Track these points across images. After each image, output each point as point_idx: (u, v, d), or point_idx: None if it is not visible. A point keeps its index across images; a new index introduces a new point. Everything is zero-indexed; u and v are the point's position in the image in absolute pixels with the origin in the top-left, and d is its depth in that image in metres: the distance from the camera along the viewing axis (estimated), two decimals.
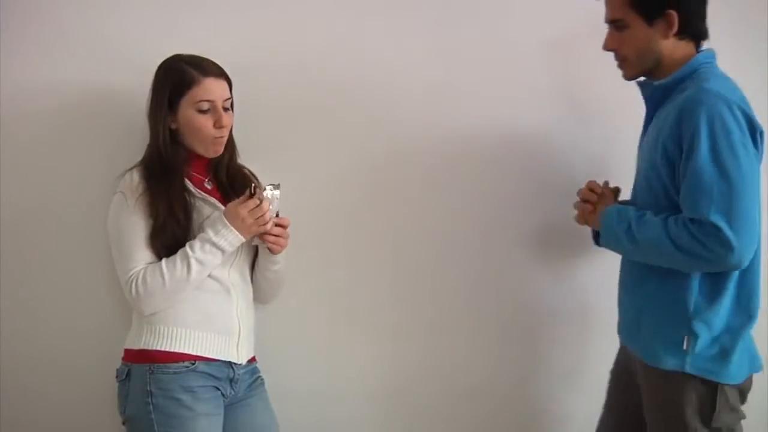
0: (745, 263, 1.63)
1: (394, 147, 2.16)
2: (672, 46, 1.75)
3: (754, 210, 1.63)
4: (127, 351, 1.80)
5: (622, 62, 1.80)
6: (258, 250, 1.91)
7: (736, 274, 1.70)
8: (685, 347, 1.70)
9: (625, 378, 1.90)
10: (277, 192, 1.78)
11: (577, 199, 1.95)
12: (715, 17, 2.28)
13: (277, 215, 1.82)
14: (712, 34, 2.19)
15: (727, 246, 1.59)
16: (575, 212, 1.96)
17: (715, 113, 1.62)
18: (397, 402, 2.20)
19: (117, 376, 1.80)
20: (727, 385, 1.71)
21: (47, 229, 2.02)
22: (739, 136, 1.62)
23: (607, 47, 1.81)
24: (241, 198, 1.77)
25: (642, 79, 1.83)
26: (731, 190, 1.60)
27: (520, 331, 2.24)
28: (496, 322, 2.24)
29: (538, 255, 2.23)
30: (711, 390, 1.70)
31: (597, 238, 1.92)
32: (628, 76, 1.82)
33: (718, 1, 2.26)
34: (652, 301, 1.76)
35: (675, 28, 1.72)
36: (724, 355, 1.71)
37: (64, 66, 1.99)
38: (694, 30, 1.77)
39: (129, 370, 1.77)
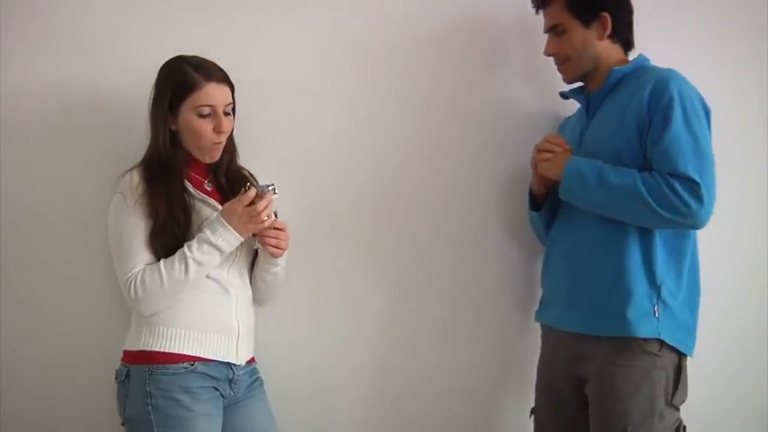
0: (706, 223, 1.77)
1: (391, 147, 2.17)
2: (607, 49, 1.94)
3: (714, 176, 1.78)
4: (126, 352, 1.80)
5: (564, 63, 1.96)
6: (258, 251, 1.91)
7: (689, 249, 1.86)
8: (657, 315, 1.80)
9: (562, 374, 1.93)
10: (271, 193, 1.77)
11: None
12: (716, 17, 2.29)
13: (275, 215, 1.82)
14: (714, 33, 2.26)
15: (699, 201, 1.73)
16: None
17: (683, 90, 1.80)
18: (396, 403, 2.19)
19: (116, 377, 1.80)
20: (686, 357, 1.84)
21: (47, 230, 2.01)
22: (702, 112, 1.81)
23: (548, 52, 1.98)
24: (237, 197, 1.77)
25: (569, 89, 2.03)
26: (702, 154, 1.76)
27: (521, 332, 2.24)
28: (498, 324, 2.24)
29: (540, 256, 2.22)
30: (677, 365, 1.83)
31: (534, 201, 2.04)
32: (569, 78, 1.99)
33: (719, 1, 2.26)
34: (623, 274, 1.82)
35: (609, 30, 1.91)
36: (688, 326, 1.86)
37: (63, 67, 1.99)
38: (624, 35, 1.96)
39: (128, 371, 1.76)
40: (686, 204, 1.72)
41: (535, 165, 1.97)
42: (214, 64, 1.82)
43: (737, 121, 2.31)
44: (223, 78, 1.82)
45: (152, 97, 1.81)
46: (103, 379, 1.87)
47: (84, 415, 2.01)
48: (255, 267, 1.94)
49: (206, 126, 1.79)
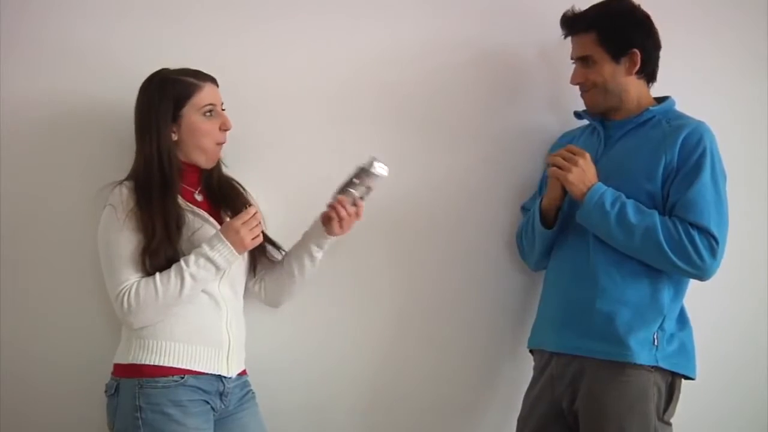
0: (710, 278, 1.83)
1: (387, 154, 2.15)
2: (633, 83, 1.95)
3: (727, 238, 1.84)
4: (116, 366, 1.79)
5: (589, 92, 1.97)
6: (250, 262, 1.90)
7: (688, 282, 1.90)
8: (656, 344, 1.83)
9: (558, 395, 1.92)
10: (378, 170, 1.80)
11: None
12: (716, 17, 2.27)
13: (361, 198, 1.84)
14: (715, 33, 2.30)
15: (713, 256, 1.79)
16: None
17: (715, 148, 1.85)
18: (388, 416, 2.17)
19: (106, 391, 1.78)
20: (680, 377, 1.87)
21: (39, 241, 2.01)
22: (724, 174, 1.87)
23: (575, 81, 1.99)
24: (238, 215, 1.77)
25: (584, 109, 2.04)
26: (723, 214, 1.83)
27: (514, 353, 2.21)
28: (491, 337, 2.22)
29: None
30: (671, 383, 1.85)
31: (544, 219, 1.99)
32: (592, 108, 1.99)
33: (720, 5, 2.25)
34: (630, 303, 1.84)
35: (638, 66, 1.92)
36: (687, 349, 1.88)
37: (56, 77, 2.00)
38: (650, 71, 1.97)
39: (118, 384, 1.75)
40: (701, 257, 1.78)
41: (554, 177, 1.92)
42: (200, 70, 1.85)
43: (737, 127, 2.31)
44: (213, 79, 1.86)
45: (145, 111, 1.80)
46: (93, 393, 1.85)
47: (74, 430, 2.00)
48: (291, 253, 1.94)
49: (212, 125, 1.82)
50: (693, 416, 2.01)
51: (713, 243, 1.78)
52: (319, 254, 1.91)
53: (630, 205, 1.82)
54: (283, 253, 1.97)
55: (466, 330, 2.21)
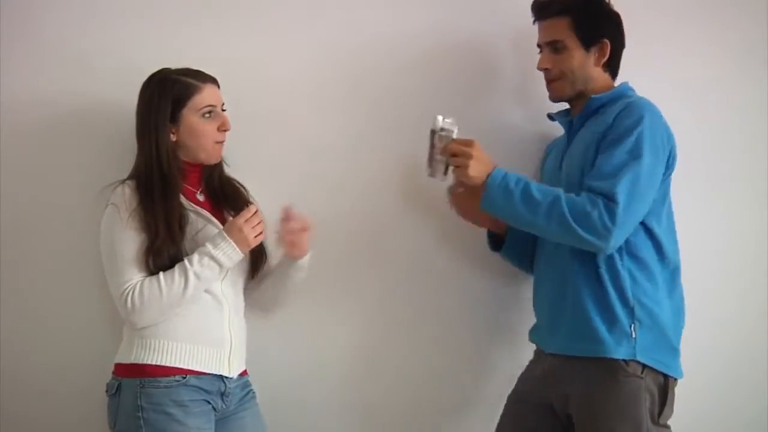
0: (613, 247, 1.75)
1: (380, 154, 2.17)
2: (599, 75, 1.93)
3: (640, 209, 1.76)
4: (117, 365, 1.79)
5: (558, 79, 1.93)
6: (251, 262, 1.91)
7: (667, 267, 1.85)
8: (634, 336, 1.78)
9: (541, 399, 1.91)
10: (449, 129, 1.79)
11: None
12: (717, 16, 2.26)
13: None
14: (715, 35, 2.28)
15: (612, 220, 1.70)
16: None
17: (652, 123, 1.78)
18: (388, 414, 2.18)
19: (107, 391, 1.78)
20: (673, 379, 1.82)
21: (39, 241, 2.01)
22: (662, 150, 1.79)
23: (542, 67, 1.95)
24: (240, 213, 1.78)
25: (556, 111, 2.02)
26: (637, 183, 1.73)
27: (510, 344, 2.22)
28: (480, 337, 2.22)
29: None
30: (663, 386, 1.80)
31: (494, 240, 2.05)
32: (556, 96, 1.96)
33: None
34: (595, 297, 1.81)
35: (606, 57, 1.91)
36: (671, 346, 1.83)
37: (56, 77, 2.00)
38: (615, 65, 1.95)
39: (119, 384, 1.75)
40: (603, 221, 1.70)
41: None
42: (201, 70, 1.85)
43: (737, 127, 2.32)
44: (213, 80, 1.86)
45: (145, 111, 1.80)
46: (95, 393, 1.85)
47: (75, 429, 2.00)
48: (274, 274, 1.95)
49: (210, 126, 1.82)
50: (693, 416, 2.01)
51: (612, 206, 1.70)
52: (302, 275, 1.93)
53: (533, 184, 1.77)
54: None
55: (461, 328, 2.21)
